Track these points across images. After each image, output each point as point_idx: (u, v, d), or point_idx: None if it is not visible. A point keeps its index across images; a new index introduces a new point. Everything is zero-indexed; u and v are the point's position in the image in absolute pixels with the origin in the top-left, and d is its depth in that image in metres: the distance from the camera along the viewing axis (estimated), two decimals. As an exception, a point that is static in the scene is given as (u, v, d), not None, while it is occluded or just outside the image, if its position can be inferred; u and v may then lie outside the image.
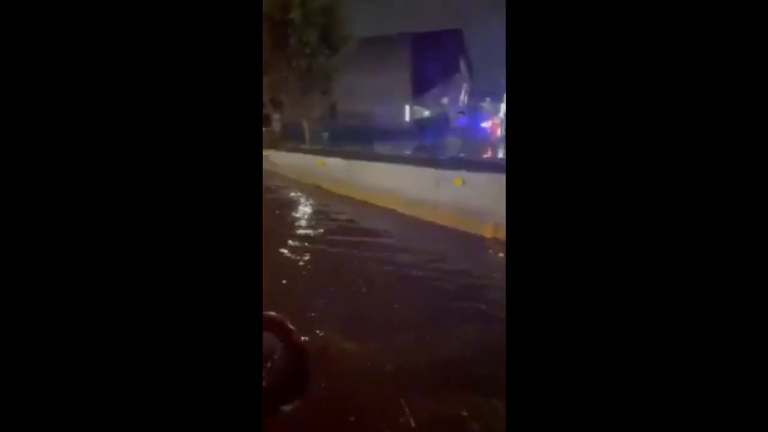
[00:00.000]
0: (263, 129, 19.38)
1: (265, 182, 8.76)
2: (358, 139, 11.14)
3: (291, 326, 0.47)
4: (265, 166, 11.38)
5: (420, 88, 26.91)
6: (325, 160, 7.94)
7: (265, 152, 12.12)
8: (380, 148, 10.33)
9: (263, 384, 0.43)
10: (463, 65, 27.45)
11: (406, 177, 5.52)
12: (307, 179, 8.28)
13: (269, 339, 0.46)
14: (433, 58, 25.88)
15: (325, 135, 14.04)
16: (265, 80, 9.29)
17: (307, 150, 9.98)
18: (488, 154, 8.69)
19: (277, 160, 10.70)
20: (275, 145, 12.34)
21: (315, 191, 7.40)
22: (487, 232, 4.04)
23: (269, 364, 0.45)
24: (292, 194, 7.30)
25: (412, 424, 1.53)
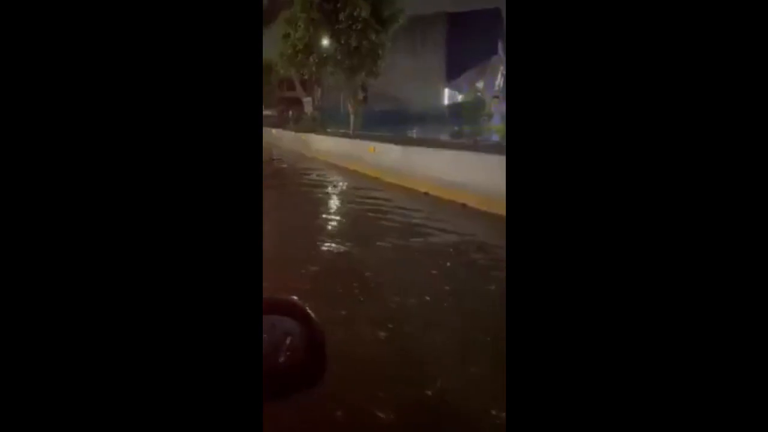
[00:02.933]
0: (293, 113, 19.14)
1: (303, 168, 8.32)
2: (390, 123, 10.57)
3: (309, 311, 0.47)
4: (303, 150, 10.98)
5: (455, 71, 25.82)
6: (376, 145, 7.39)
7: (303, 135, 11.69)
8: (414, 133, 9.73)
9: (278, 368, 0.44)
10: (500, 46, 26.10)
11: (477, 166, 4.90)
12: (354, 166, 7.75)
13: (285, 322, 0.46)
14: (469, 39, 24.69)
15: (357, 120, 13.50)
16: (311, 60, 8.73)
17: (351, 134, 9.44)
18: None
19: (318, 145, 10.21)
20: (314, 129, 11.88)
21: (363, 180, 6.86)
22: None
23: (286, 348, 0.45)
24: (337, 183, 6.79)
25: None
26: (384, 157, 6.91)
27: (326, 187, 6.54)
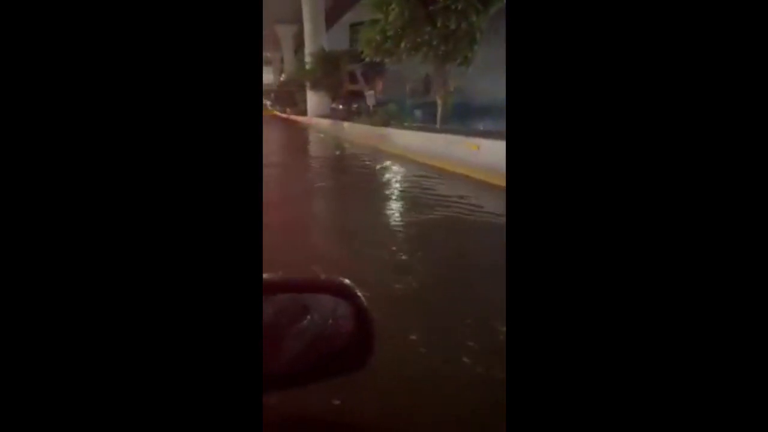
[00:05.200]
0: (355, 106, 18.71)
1: (387, 167, 7.59)
2: (458, 116, 9.53)
3: (359, 294, 0.45)
4: (380, 146, 10.32)
5: (530, 60, 23.71)
6: (480, 142, 6.46)
7: (381, 130, 11.04)
8: (482, 126, 8.68)
9: (323, 349, 0.44)
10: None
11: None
12: (446, 165, 6.89)
13: (334, 303, 0.44)
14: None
15: (418, 113, 12.55)
16: (402, 46, 7.95)
17: (438, 129, 8.57)
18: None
19: (400, 140, 9.47)
20: (387, 122, 11.18)
21: (468, 184, 5.98)
22: None
23: (332, 329, 0.45)
24: (445, 192, 5.95)
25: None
26: (494, 155, 5.97)
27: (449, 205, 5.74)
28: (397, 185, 5.93)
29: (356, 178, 6.92)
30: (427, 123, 10.30)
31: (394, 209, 4.62)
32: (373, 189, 5.99)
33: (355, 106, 18.80)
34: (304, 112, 25.41)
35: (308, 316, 0.45)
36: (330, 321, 0.45)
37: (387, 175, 6.76)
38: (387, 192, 5.57)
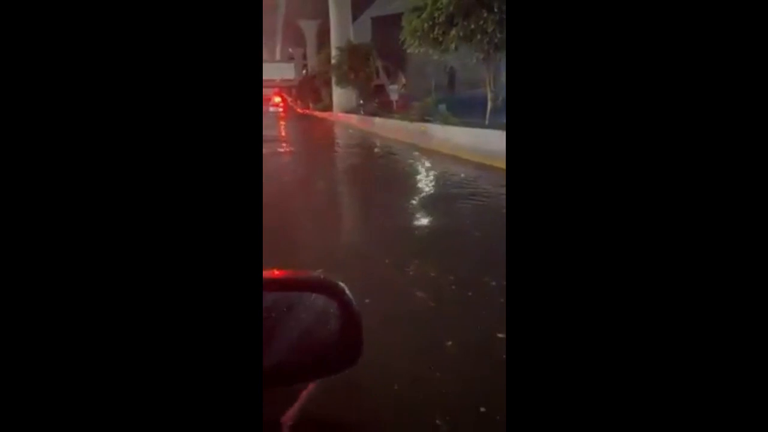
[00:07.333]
0: (377, 102, 18.12)
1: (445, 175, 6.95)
2: (479, 109, 8.79)
3: (348, 293, 0.44)
4: (422, 144, 9.72)
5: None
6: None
7: (422, 126, 10.42)
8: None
9: (311, 348, 0.44)
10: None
11: None
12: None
13: (324, 302, 0.45)
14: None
15: (442, 107, 11.82)
16: (452, 33, 7.29)
17: (486, 125, 7.88)
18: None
19: (446, 136, 8.82)
20: (422, 118, 10.54)
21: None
22: None
23: (320, 328, 0.45)
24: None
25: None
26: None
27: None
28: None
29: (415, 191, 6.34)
30: (454, 114, 9.70)
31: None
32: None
33: (376, 101, 18.23)
34: (329, 108, 24.99)
35: (296, 315, 0.45)
36: (318, 320, 0.45)
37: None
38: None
